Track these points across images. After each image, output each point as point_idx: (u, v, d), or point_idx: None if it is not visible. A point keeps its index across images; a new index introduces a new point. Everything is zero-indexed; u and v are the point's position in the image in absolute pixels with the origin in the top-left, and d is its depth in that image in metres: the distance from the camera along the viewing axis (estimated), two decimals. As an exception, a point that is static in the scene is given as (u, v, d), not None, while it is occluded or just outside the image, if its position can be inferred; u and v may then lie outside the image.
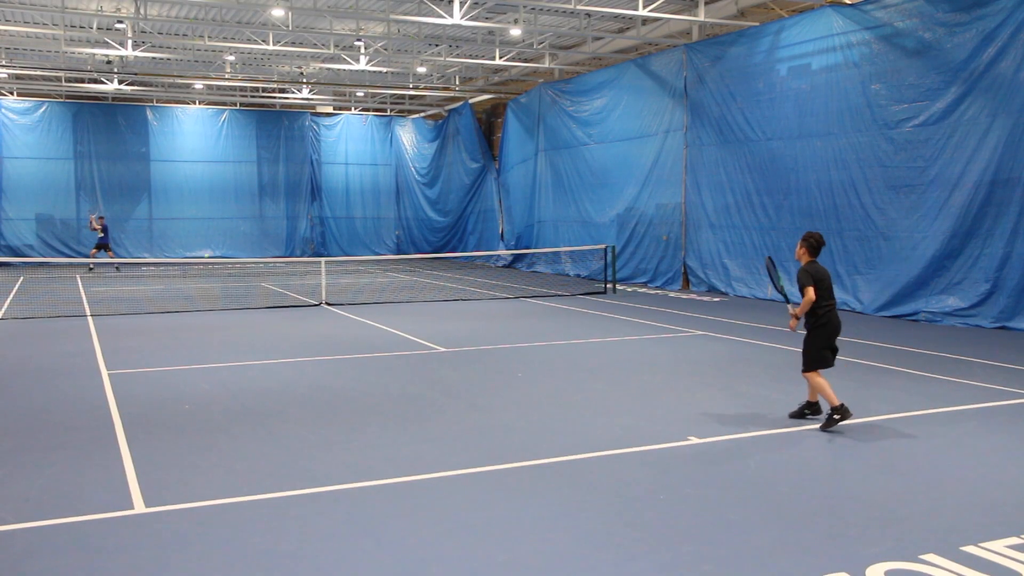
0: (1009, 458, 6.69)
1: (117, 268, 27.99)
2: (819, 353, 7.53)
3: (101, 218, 27.75)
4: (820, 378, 7.49)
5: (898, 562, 4.65)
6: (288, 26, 20.19)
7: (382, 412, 8.29)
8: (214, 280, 24.15)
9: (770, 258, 8.43)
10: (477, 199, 32.14)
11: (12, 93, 31.13)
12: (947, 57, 14.31)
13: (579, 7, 18.41)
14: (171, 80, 28.83)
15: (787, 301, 7.81)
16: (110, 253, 27.65)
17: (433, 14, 19.30)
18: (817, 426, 7.48)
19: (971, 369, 10.30)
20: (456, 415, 8.15)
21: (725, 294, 19.17)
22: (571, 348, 12.16)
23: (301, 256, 33.81)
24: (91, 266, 27.86)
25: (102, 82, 29.12)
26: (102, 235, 27.17)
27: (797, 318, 7.58)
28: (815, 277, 7.47)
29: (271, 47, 22.55)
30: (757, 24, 18.64)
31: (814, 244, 7.62)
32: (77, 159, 31.41)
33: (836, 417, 7.31)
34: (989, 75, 13.70)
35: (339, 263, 30.90)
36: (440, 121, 35.08)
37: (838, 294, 16.28)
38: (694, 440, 7.17)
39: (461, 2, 18.60)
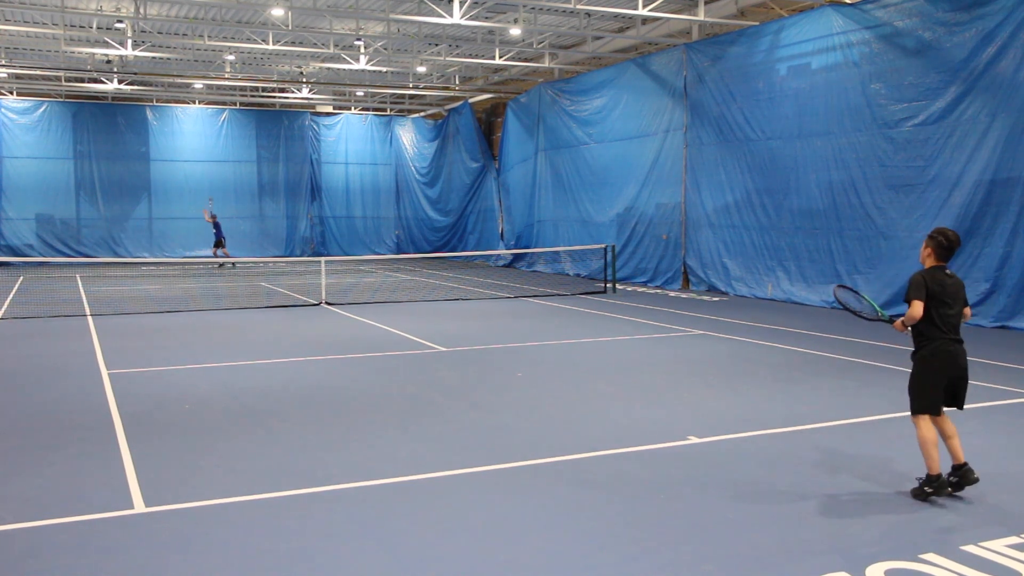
0: (1009, 458, 6.69)
1: (220, 266, 28.89)
2: (922, 392, 5.71)
3: (207, 210, 29.17)
4: (924, 429, 5.64)
5: (898, 562, 4.66)
6: (288, 26, 20.19)
7: (382, 412, 8.29)
8: (214, 280, 24.15)
9: (842, 287, 6.43)
10: (477, 199, 32.15)
11: (12, 93, 31.13)
12: (947, 56, 14.31)
13: (579, 7, 18.40)
14: (171, 80, 28.82)
15: (886, 319, 5.98)
16: (224, 250, 28.72)
17: (433, 14, 19.30)
18: (957, 492, 5.72)
19: (971, 369, 10.25)
20: (456, 415, 8.15)
21: (725, 294, 19.17)
22: (571, 348, 12.16)
23: (301, 256, 33.82)
24: (221, 263, 28.96)
25: (102, 82, 29.12)
26: (215, 231, 28.46)
27: (905, 325, 5.77)
28: (929, 288, 5.61)
29: (271, 47, 22.55)
30: (757, 24, 18.63)
31: (943, 243, 5.69)
32: (77, 159, 31.42)
33: (928, 490, 5.54)
34: (989, 74, 13.70)
35: (339, 263, 30.90)
36: (440, 121, 35.08)
37: (838, 294, 16.36)
38: (694, 440, 7.17)
39: (461, 2, 18.60)
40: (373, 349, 11.95)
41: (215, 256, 28.92)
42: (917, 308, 5.59)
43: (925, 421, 5.64)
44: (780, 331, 13.57)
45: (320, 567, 4.65)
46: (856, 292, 6.29)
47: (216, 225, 28.74)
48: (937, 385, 5.69)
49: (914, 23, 14.86)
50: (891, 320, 5.93)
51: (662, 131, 21.23)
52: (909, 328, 5.75)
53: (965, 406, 6.02)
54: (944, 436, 5.76)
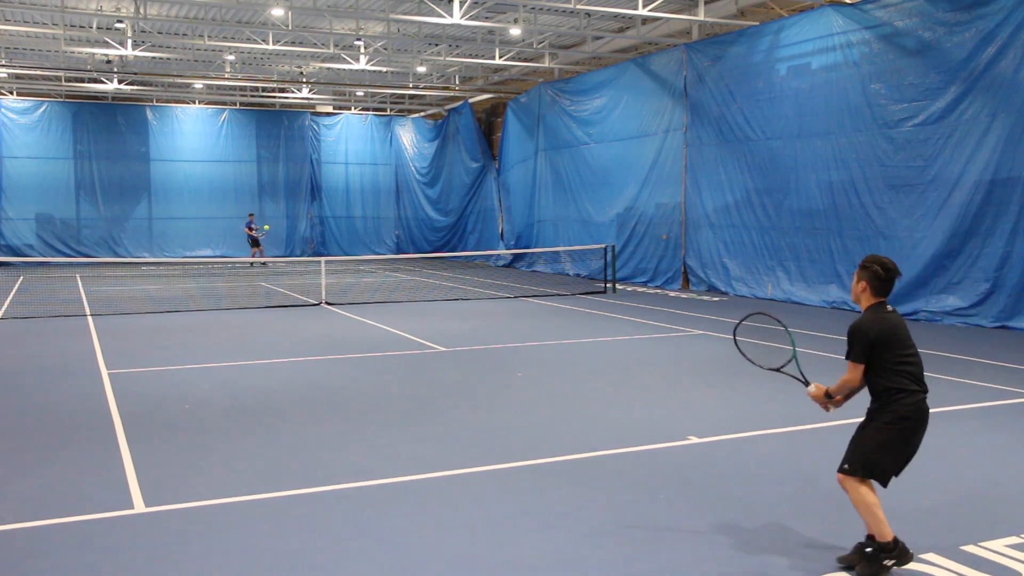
0: (1009, 457, 6.69)
1: (264, 264, 29.94)
2: (874, 455, 4.50)
3: (251, 215, 30.37)
4: (865, 493, 4.50)
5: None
6: (288, 26, 20.18)
7: (382, 412, 8.29)
8: (214, 280, 24.15)
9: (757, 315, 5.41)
10: (477, 199, 32.15)
11: (12, 93, 31.13)
12: (947, 56, 14.30)
13: (579, 7, 18.40)
14: (171, 80, 28.83)
15: (803, 381, 4.90)
16: (258, 249, 29.57)
17: (433, 14, 19.29)
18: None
19: (971, 368, 10.30)
20: (456, 415, 8.15)
21: (725, 293, 19.17)
22: (571, 348, 12.15)
23: (301, 255, 33.83)
24: (264, 262, 30.00)
25: (102, 82, 29.12)
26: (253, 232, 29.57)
27: (831, 397, 4.78)
28: (872, 339, 4.49)
29: (271, 47, 22.55)
30: (757, 23, 18.63)
31: (879, 274, 4.56)
32: (77, 159, 31.43)
33: (887, 563, 4.42)
34: (989, 74, 13.70)
35: (339, 263, 30.90)
36: (440, 121, 35.09)
37: (838, 294, 16.38)
38: (694, 440, 7.17)
39: (461, 2, 18.60)
40: (373, 349, 11.95)
41: (261, 256, 29.72)
42: (854, 373, 4.55)
43: (866, 484, 4.52)
44: (780, 331, 13.54)
45: (320, 567, 4.65)
46: (784, 327, 5.12)
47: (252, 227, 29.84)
48: (901, 454, 4.49)
49: (914, 23, 14.86)
50: (807, 383, 4.79)
51: (662, 131, 21.23)
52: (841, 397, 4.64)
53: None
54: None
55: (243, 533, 5.14)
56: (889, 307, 4.64)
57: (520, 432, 7.50)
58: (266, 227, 30.76)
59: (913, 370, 4.52)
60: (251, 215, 30.52)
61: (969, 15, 13.95)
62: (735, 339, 5.52)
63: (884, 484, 4.55)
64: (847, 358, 4.60)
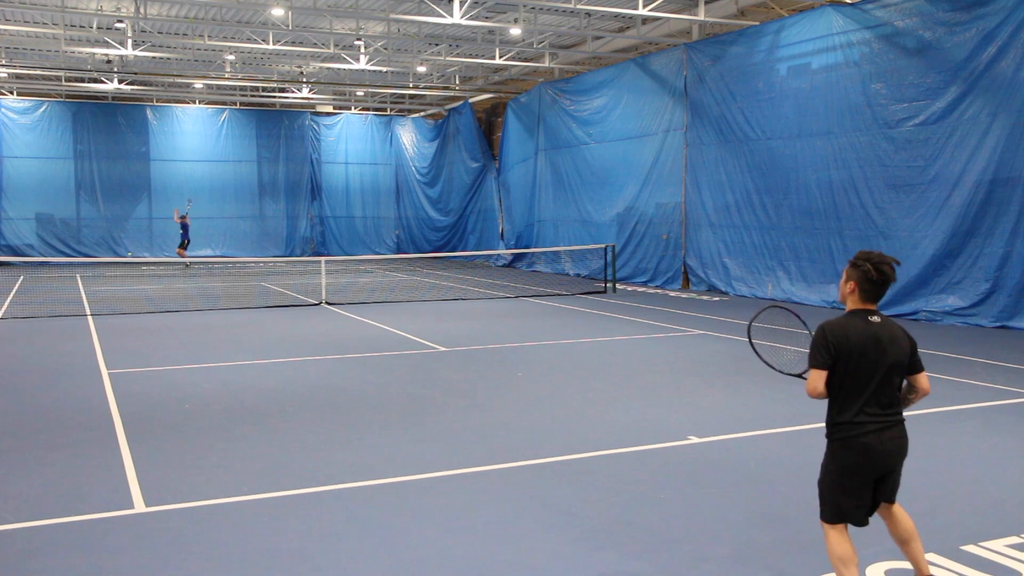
0: (1009, 457, 6.69)
1: (187, 266, 28.81)
2: (830, 494, 3.93)
3: (178, 210, 28.74)
4: (836, 541, 3.90)
5: (898, 562, 4.65)
6: (288, 25, 20.19)
7: (382, 412, 8.29)
8: (214, 280, 24.15)
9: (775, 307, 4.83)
10: (477, 198, 32.16)
11: (12, 92, 31.13)
12: (947, 56, 14.30)
13: (579, 6, 18.40)
14: (171, 80, 28.83)
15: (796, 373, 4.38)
16: (181, 251, 28.54)
17: (433, 13, 19.29)
18: None
19: (971, 368, 10.30)
20: (456, 415, 8.15)
21: (725, 293, 19.17)
22: (571, 348, 12.15)
23: (301, 255, 33.83)
24: (188, 263, 28.87)
25: (102, 81, 29.12)
26: (183, 231, 28.20)
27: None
28: (837, 348, 3.81)
29: (271, 47, 22.54)
30: (757, 23, 18.63)
31: (868, 275, 3.78)
32: (77, 158, 31.44)
33: None
34: (989, 74, 13.70)
35: (339, 263, 30.90)
36: (440, 120, 35.09)
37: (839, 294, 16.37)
38: (694, 440, 7.17)
39: (461, 1, 18.59)
40: (373, 349, 11.94)
41: (182, 256, 28.56)
42: (815, 381, 3.85)
43: (834, 528, 3.92)
44: (780, 331, 13.52)
45: (320, 567, 4.65)
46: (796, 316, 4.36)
47: (184, 226, 28.13)
48: (848, 486, 3.88)
49: (914, 23, 14.86)
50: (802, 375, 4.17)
51: (662, 131, 21.23)
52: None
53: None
54: (898, 540, 4.18)
55: (243, 533, 5.14)
56: (875, 317, 3.88)
57: (520, 432, 7.50)
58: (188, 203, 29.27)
59: (857, 390, 3.84)
60: (189, 201, 29.11)
61: (969, 15, 13.95)
62: (750, 340, 4.93)
63: (859, 522, 3.95)
64: (809, 365, 3.97)
